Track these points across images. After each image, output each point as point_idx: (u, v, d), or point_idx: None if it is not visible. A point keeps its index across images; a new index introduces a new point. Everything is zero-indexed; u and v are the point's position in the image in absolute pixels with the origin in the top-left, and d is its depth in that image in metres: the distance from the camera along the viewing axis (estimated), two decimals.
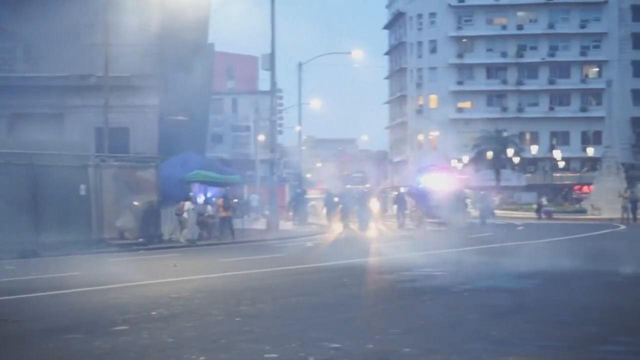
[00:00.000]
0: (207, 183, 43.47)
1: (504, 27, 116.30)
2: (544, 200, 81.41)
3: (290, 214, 58.31)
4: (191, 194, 40.14)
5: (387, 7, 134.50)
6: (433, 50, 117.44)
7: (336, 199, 54.79)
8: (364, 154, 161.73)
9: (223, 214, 41.73)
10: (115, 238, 34.06)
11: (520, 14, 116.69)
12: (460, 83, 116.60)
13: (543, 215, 70.80)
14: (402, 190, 65.30)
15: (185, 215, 36.83)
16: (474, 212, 66.00)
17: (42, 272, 22.35)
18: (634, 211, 60.43)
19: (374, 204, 56.68)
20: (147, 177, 36.24)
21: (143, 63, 45.21)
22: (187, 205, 37.18)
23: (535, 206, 76.59)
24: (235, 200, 53.24)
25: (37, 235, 30.89)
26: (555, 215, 71.31)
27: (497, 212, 70.29)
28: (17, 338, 12.31)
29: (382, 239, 40.10)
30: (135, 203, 35.26)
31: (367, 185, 76.53)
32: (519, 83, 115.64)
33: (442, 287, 18.26)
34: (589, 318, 13.77)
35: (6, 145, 33.01)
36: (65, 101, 45.83)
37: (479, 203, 63.06)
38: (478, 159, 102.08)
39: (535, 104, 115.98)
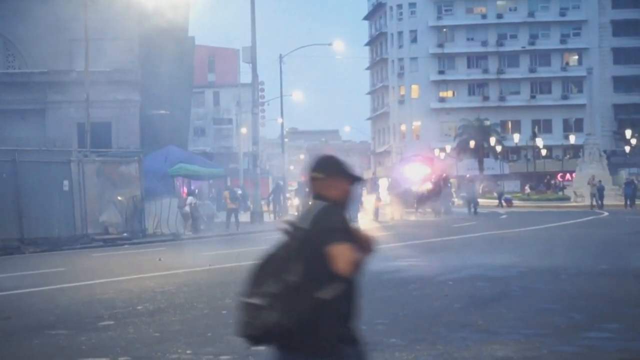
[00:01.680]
0: (190, 177, 43.45)
1: (483, 16, 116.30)
2: (503, 188, 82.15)
3: (270, 206, 57.77)
4: (197, 190, 40.25)
5: None
6: (413, 40, 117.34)
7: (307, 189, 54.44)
8: (347, 145, 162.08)
9: (231, 206, 42.08)
10: (100, 233, 33.97)
11: (499, 2, 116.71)
12: (441, 72, 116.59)
13: (504, 204, 71.40)
14: (380, 180, 65.24)
15: (187, 209, 37.18)
16: (458, 201, 66.15)
17: (26, 269, 22.29)
18: (600, 198, 61.55)
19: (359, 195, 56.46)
20: (130, 171, 36.14)
21: (123, 58, 45.12)
22: (190, 199, 37.62)
23: (495, 195, 77.00)
24: (240, 192, 53.15)
25: (21, 231, 30.80)
26: (542, 204, 71.58)
27: (480, 200, 70.41)
28: (2, 335, 12.28)
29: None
30: (119, 198, 35.18)
31: None
32: (500, 72, 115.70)
33: (427, 276, 18.31)
34: (573, 306, 13.82)
35: None
36: (47, 97, 45.75)
37: (465, 192, 63.09)
38: (461, 148, 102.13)
39: (517, 93, 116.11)
